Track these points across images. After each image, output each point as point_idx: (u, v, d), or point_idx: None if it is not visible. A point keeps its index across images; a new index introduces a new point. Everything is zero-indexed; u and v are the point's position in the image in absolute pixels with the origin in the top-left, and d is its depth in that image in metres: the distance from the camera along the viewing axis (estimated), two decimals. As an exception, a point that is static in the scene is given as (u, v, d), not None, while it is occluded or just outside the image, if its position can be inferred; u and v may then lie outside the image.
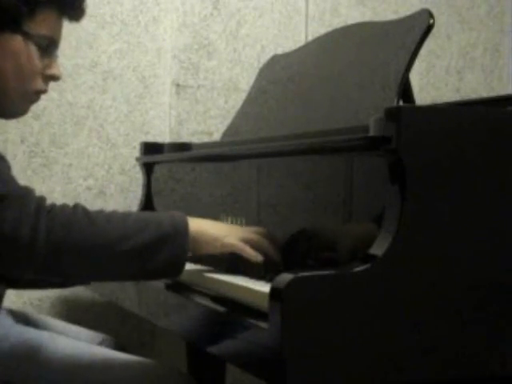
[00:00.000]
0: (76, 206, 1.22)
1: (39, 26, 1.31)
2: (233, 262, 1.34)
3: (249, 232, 1.32)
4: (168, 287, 1.39)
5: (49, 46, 1.34)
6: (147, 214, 1.28)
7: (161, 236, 1.21)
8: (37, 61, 1.33)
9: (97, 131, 2.18)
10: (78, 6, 1.37)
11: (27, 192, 1.21)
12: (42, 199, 1.21)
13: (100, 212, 1.23)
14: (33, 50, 1.32)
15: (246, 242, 1.29)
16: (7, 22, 1.28)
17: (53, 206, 1.20)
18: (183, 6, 2.29)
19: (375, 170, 1.14)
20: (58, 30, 1.36)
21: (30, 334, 1.47)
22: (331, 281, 1.01)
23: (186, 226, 1.24)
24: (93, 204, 2.16)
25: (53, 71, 1.36)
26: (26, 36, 1.30)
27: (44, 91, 1.38)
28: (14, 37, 1.30)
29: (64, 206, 1.21)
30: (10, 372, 1.36)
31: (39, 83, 1.35)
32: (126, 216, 1.23)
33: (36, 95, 1.37)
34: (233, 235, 1.29)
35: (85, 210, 1.21)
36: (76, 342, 1.49)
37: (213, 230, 1.29)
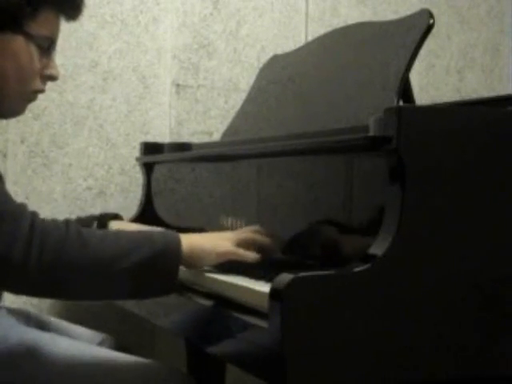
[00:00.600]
0: (68, 225, 1.21)
1: (40, 26, 1.31)
2: (233, 262, 1.34)
3: (238, 233, 1.33)
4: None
5: (48, 47, 1.35)
6: (139, 233, 1.28)
7: (153, 255, 1.21)
8: (36, 61, 1.33)
9: (97, 131, 2.18)
10: (76, 5, 1.37)
11: (20, 209, 1.20)
12: (34, 216, 1.20)
13: (92, 231, 1.24)
14: (33, 50, 1.32)
15: (240, 243, 1.30)
16: (9, 22, 1.28)
17: (46, 223, 1.20)
18: (183, 6, 2.29)
19: (375, 170, 1.14)
20: (56, 29, 1.36)
21: (30, 334, 1.47)
22: (331, 281, 1.01)
23: (178, 243, 1.24)
24: (93, 204, 2.16)
25: (51, 71, 1.37)
26: (27, 36, 1.30)
27: (42, 91, 1.38)
28: (16, 37, 1.30)
29: (56, 224, 1.21)
30: (10, 372, 1.35)
31: (38, 83, 1.36)
32: (118, 236, 1.23)
33: (34, 95, 1.38)
34: (224, 243, 1.29)
35: (77, 229, 1.21)
36: (76, 343, 1.49)
37: (204, 244, 1.28)
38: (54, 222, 1.22)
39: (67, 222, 1.22)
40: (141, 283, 1.21)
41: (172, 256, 1.23)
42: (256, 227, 1.36)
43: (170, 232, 1.28)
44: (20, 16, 1.29)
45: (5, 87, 1.32)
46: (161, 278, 1.22)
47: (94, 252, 1.19)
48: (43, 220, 1.21)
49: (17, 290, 1.25)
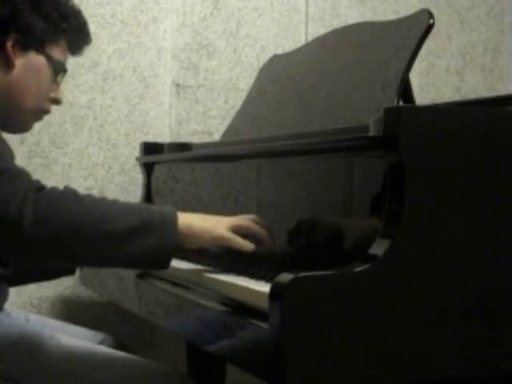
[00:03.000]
0: (66, 187, 1.24)
1: (59, 52, 1.46)
2: (233, 262, 1.35)
3: (238, 219, 1.33)
4: (168, 287, 1.39)
5: (63, 72, 1.48)
6: (137, 203, 1.30)
7: (147, 222, 1.21)
8: (51, 83, 1.46)
9: (97, 131, 2.18)
10: (86, 42, 1.52)
11: (21, 173, 1.23)
12: (35, 181, 1.23)
13: (89, 195, 1.25)
14: (51, 72, 1.44)
15: (237, 230, 1.30)
16: (34, 42, 1.41)
17: (44, 186, 1.22)
18: (183, 6, 2.29)
19: (375, 170, 1.14)
20: (67, 58, 1.50)
21: (31, 332, 1.47)
22: (331, 281, 1.01)
23: (174, 217, 1.24)
24: (93, 204, 2.16)
25: (58, 95, 1.50)
26: (48, 58, 1.43)
27: (49, 112, 1.50)
28: (39, 57, 1.42)
29: (54, 187, 1.23)
30: (11, 371, 1.36)
31: (48, 104, 1.48)
32: (114, 201, 1.25)
33: (42, 114, 1.49)
34: (222, 226, 1.29)
35: (73, 190, 1.23)
36: (77, 341, 1.49)
37: (202, 223, 1.29)
38: (53, 186, 1.24)
39: (65, 186, 1.25)
40: (132, 249, 1.20)
41: (166, 228, 1.23)
42: (254, 216, 1.36)
43: (168, 207, 1.28)
44: (45, 38, 1.42)
45: (23, 103, 1.42)
46: (154, 248, 1.21)
47: (87, 209, 1.20)
48: (42, 184, 1.23)
49: (12, 250, 1.22)
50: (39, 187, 1.21)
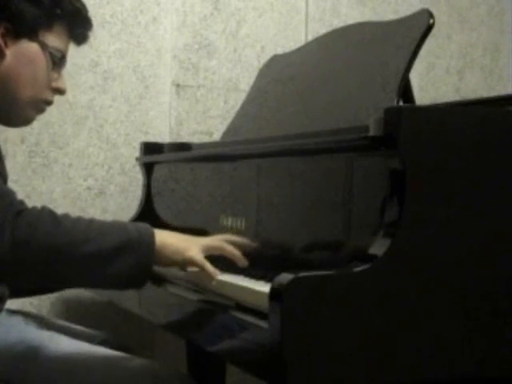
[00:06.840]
0: (43, 208, 1.24)
1: (54, 38, 1.40)
2: (233, 262, 1.34)
3: (212, 240, 1.34)
4: (168, 287, 1.39)
5: (60, 60, 1.42)
6: (114, 221, 1.30)
7: (125, 242, 1.22)
8: (49, 71, 1.41)
9: (97, 131, 2.18)
10: (86, 27, 1.46)
11: (1, 194, 1.22)
12: (16, 203, 1.22)
13: (66, 215, 1.25)
14: (48, 59, 1.39)
15: (209, 251, 1.30)
16: (26, 30, 1.37)
17: (23, 208, 1.22)
18: (183, 6, 2.29)
19: (375, 170, 1.14)
20: (67, 47, 1.45)
21: (30, 333, 1.47)
22: (331, 281, 1.01)
23: (151, 235, 1.25)
24: (93, 204, 2.16)
25: (60, 84, 1.45)
26: (43, 45, 1.38)
27: (51, 102, 1.45)
28: (32, 45, 1.38)
29: (32, 208, 1.23)
30: (10, 371, 1.36)
31: (48, 93, 1.43)
32: (91, 221, 1.25)
33: (44, 105, 1.44)
34: (195, 248, 1.29)
35: (51, 212, 1.23)
36: (76, 342, 1.49)
37: (176, 244, 1.29)
38: (31, 207, 1.23)
39: (42, 207, 1.24)
40: (111, 269, 1.21)
41: (144, 246, 1.23)
42: (227, 236, 1.37)
43: (144, 224, 1.28)
44: (37, 25, 1.37)
45: (19, 93, 1.38)
46: (132, 267, 1.22)
47: (66, 231, 1.20)
48: (22, 207, 1.22)
49: None
50: (18, 210, 1.20)
